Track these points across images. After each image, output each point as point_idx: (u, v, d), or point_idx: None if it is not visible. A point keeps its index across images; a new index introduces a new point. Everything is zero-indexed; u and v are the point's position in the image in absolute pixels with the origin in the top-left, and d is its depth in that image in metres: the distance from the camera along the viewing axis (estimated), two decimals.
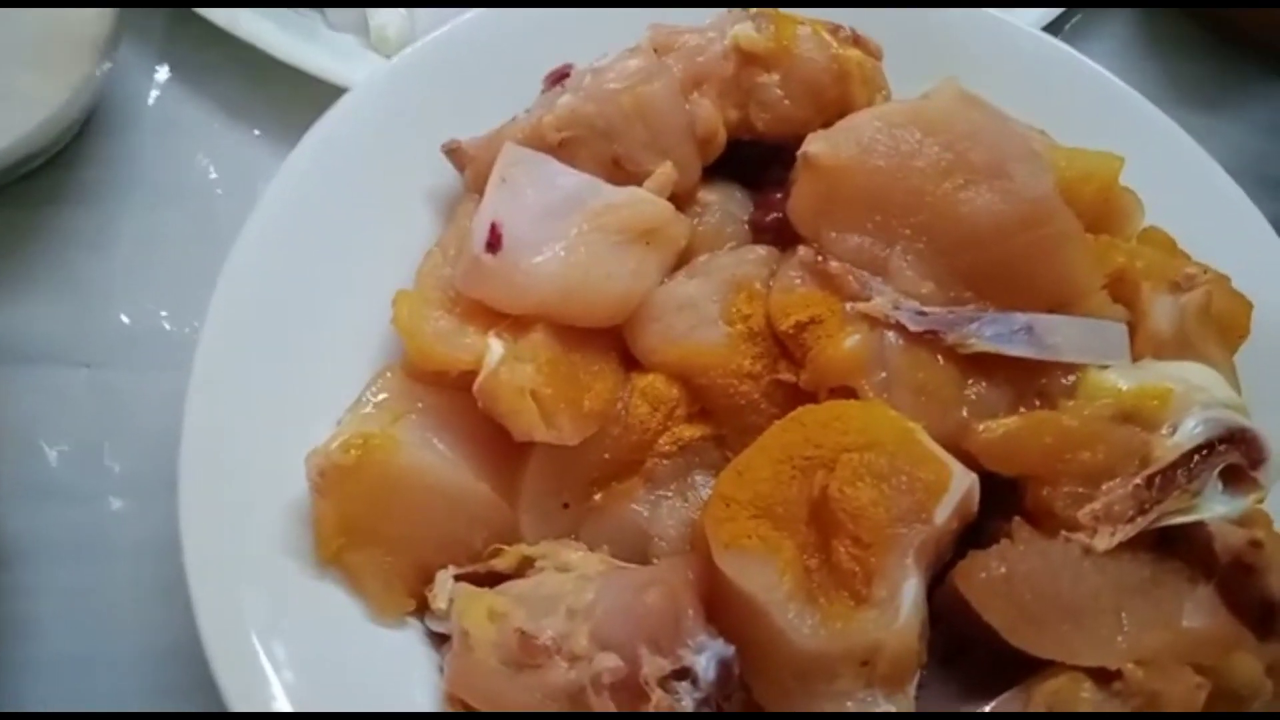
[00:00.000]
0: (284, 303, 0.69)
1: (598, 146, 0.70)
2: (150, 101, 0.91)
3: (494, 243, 0.64)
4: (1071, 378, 0.64)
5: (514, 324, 0.65)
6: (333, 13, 0.92)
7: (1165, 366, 0.64)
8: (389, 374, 0.67)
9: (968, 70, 0.75)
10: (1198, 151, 0.80)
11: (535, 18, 0.79)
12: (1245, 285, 0.70)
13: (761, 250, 0.69)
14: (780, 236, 0.70)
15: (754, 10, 0.73)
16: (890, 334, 0.63)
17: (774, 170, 0.72)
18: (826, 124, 0.69)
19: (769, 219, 0.71)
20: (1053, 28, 0.93)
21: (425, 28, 0.88)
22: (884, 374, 0.63)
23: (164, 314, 0.83)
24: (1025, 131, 0.73)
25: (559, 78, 0.73)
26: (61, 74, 0.79)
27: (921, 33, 0.80)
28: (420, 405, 0.65)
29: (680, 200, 0.71)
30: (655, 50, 0.72)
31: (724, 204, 0.72)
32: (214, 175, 0.89)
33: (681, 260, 0.70)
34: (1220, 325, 0.68)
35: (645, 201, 0.68)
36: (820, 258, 0.66)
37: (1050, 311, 0.65)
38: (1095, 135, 0.74)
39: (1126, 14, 1.05)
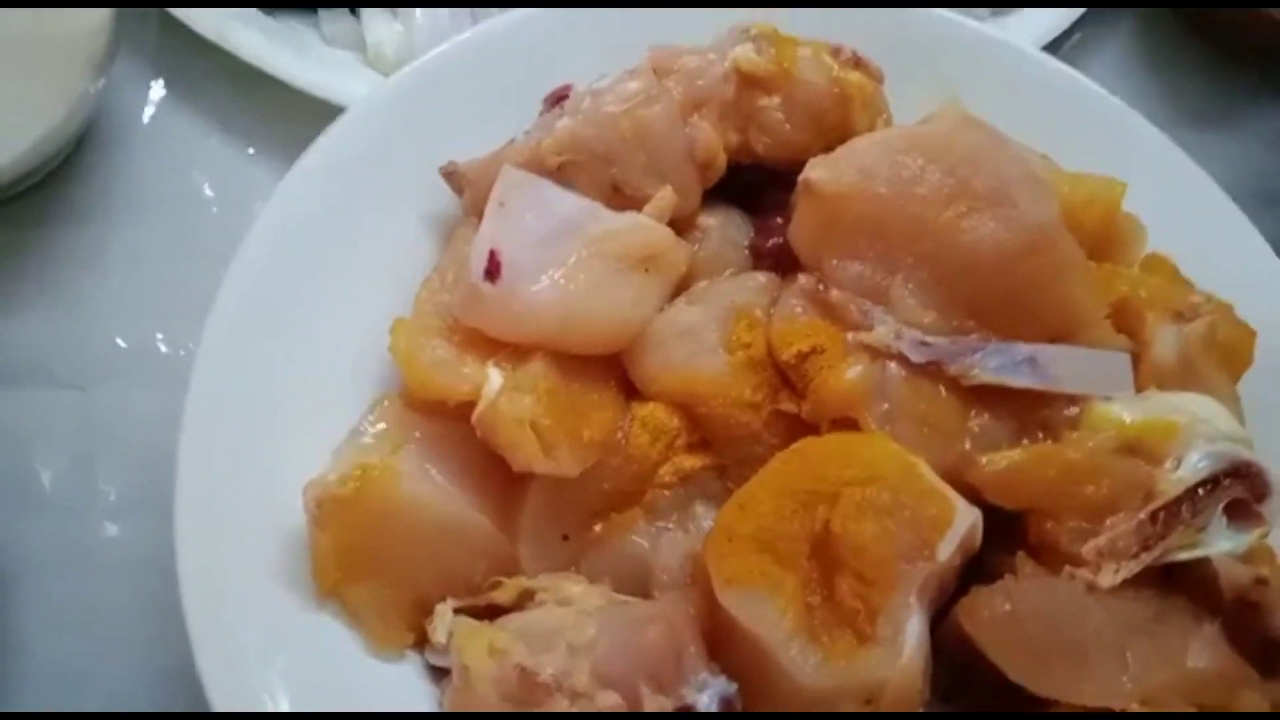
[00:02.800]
0: (280, 327, 0.68)
1: (596, 171, 0.69)
2: (145, 119, 0.90)
3: (493, 270, 0.64)
4: (1075, 409, 0.63)
5: (513, 353, 0.64)
6: (329, 28, 0.91)
7: (1169, 398, 0.64)
8: (386, 403, 0.66)
9: (968, 92, 0.75)
10: (1197, 173, 0.79)
11: (535, 36, 0.78)
12: (1245, 309, 0.70)
13: (762, 277, 0.69)
14: (781, 262, 0.69)
15: (755, 31, 0.72)
16: (892, 365, 0.63)
17: (774, 194, 0.71)
18: (827, 148, 0.68)
19: (769, 244, 0.70)
20: (1053, 46, 0.93)
21: (423, 43, 0.87)
22: (886, 405, 0.62)
23: (159, 335, 0.82)
24: (1027, 155, 0.72)
25: (558, 99, 0.72)
26: (55, 91, 0.78)
27: (922, 54, 0.79)
28: (418, 435, 0.65)
29: (680, 225, 0.70)
30: (655, 72, 0.71)
31: (724, 229, 0.71)
32: (209, 193, 0.88)
33: (681, 286, 0.69)
34: (1224, 355, 0.67)
35: (645, 227, 0.67)
36: (821, 286, 0.65)
37: (1053, 341, 0.64)
38: (1095, 156, 0.74)
39: (1127, 31, 1.04)
